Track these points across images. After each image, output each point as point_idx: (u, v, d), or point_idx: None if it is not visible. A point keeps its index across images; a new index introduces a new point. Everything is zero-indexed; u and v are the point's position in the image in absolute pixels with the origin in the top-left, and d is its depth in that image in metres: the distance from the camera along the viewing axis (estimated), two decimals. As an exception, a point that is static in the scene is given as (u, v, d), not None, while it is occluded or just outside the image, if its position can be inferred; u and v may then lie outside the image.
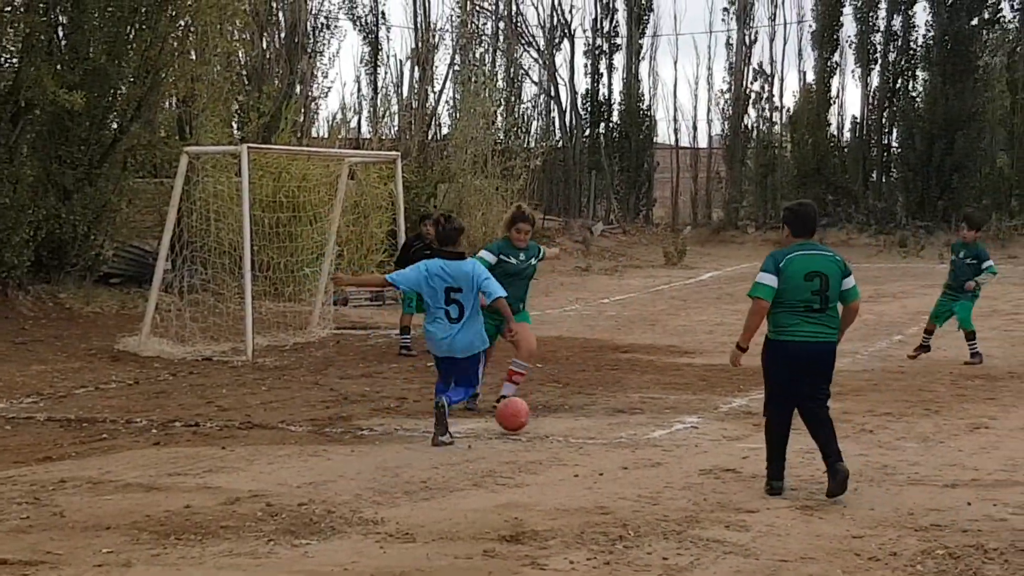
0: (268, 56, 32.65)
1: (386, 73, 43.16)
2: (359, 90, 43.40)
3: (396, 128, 37.81)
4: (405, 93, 41.28)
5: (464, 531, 7.69)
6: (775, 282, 8.68)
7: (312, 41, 36.94)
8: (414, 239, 17.80)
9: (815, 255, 8.75)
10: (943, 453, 10.17)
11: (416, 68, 40.50)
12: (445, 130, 40.00)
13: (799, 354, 8.71)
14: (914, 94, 45.40)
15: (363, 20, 43.32)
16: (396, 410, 12.60)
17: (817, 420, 8.78)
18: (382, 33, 43.96)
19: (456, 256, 10.98)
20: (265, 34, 32.68)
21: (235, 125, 28.95)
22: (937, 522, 7.85)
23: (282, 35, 34.15)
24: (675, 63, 72.61)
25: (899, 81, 45.69)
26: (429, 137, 37.71)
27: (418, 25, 41.80)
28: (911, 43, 45.19)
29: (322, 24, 38.11)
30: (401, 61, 46.87)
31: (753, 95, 48.00)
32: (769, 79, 48.03)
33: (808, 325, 8.68)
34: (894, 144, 46.45)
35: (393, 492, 8.80)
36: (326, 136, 33.56)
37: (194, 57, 24.17)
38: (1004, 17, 44.67)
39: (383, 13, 44.18)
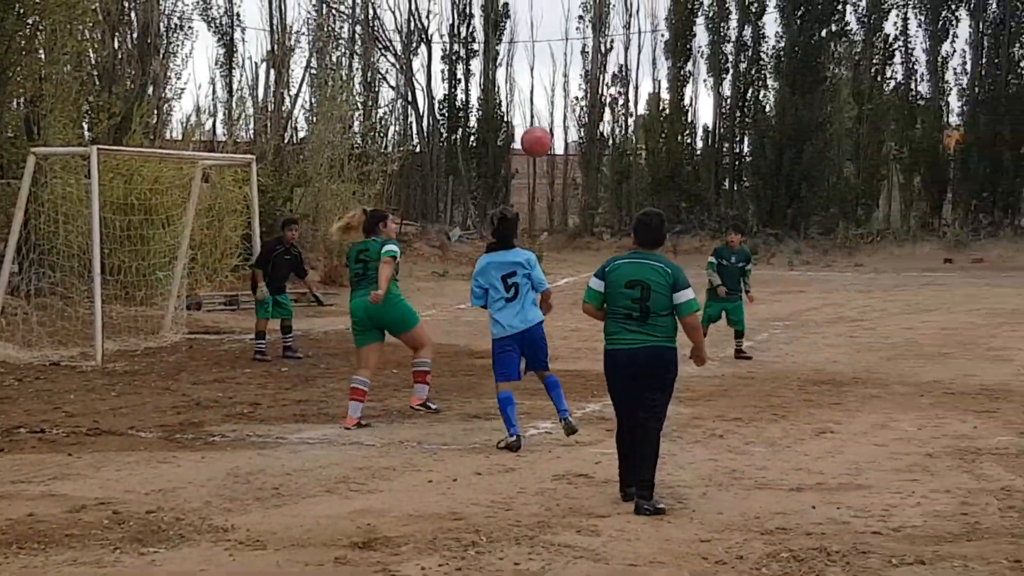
0: (120, 56, 32.06)
1: (241, 75, 42.88)
2: (214, 92, 43.07)
3: (252, 131, 37.48)
4: (261, 96, 40.98)
5: (316, 538, 7.64)
6: (601, 287, 8.70)
7: (165, 42, 36.43)
8: (275, 243, 17.64)
9: (642, 264, 8.63)
10: (790, 457, 10.37)
11: (272, 71, 40.18)
12: (302, 134, 39.78)
13: (622, 361, 8.63)
14: (764, 103, 46.34)
15: (218, 21, 42.93)
16: (249, 416, 12.48)
17: (643, 434, 8.57)
18: (237, 35, 43.63)
19: (502, 247, 10.84)
20: (116, 34, 32.09)
21: (85, 126, 28.36)
22: (783, 525, 8.00)
23: (134, 35, 33.58)
24: (532, 70, 73.14)
25: (750, 91, 46.59)
26: (285, 140, 37.43)
27: (274, 27, 41.53)
28: (761, 53, 46.09)
29: (175, 24, 37.66)
30: (257, 63, 46.48)
31: (608, 102, 48.54)
32: (624, 87, 48.63)
33: (628, 333, 8.58)
34: (745, 152, 47.34)
35: (244, 499, 8.71)
36: (180, 138, 33.12)
37: (42, 56, 23.65)
38: (851, 29, 45.81)
39: (238, 14, 43.85)
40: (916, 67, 45.86)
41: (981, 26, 44.49)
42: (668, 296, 8.53)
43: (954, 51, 45.14)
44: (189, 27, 39.01)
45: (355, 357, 12.40)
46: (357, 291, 12.22)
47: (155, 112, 32.65)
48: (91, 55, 29.39)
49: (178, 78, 39.88)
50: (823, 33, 44.87)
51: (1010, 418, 12.35)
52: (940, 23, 44.92)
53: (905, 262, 40.61)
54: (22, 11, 21.31)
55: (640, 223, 8.90)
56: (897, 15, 45.95)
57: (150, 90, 33.17)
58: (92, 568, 7.02)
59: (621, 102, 48.78)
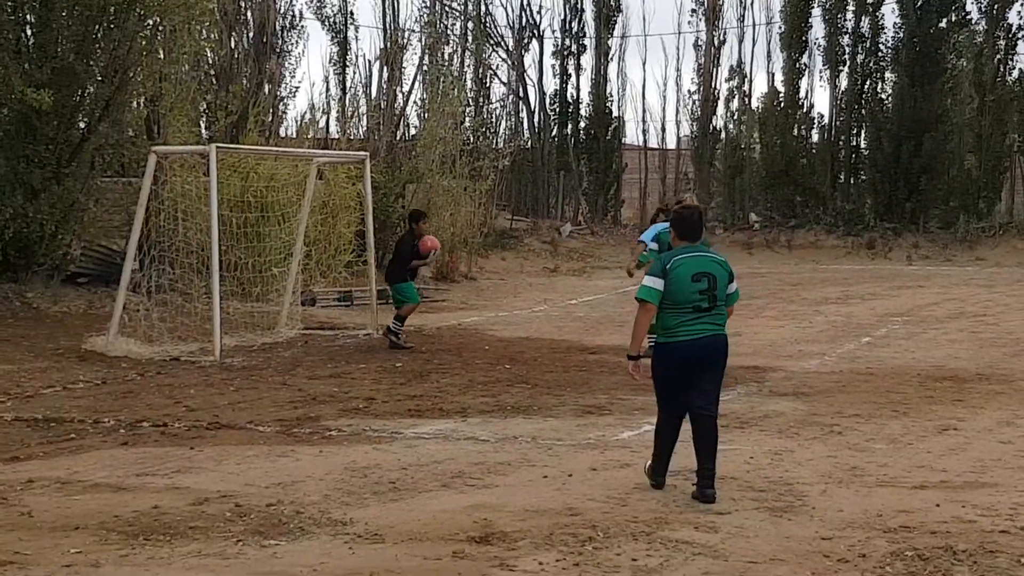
0: (236, 55, 32.50)
1: (355, 73, 43.11)
2: (328, 90, 43.45)
3: (364, 128, 37.71)
4: (374, 93, 41.20)
5: (433, 532, 7.67)
6: (662, 285, 8.70)
7: (280, 41, 36.85)
8: (407, 235, 18.56)
9: (702, 257, 8.83)
10: (912, 454, 10.20)
11: (385, 68, 40.42)
12: (413, 130, 39.95)
13: (688, 352, 8.71)
14: (882, 96, 45.62)
15: (331, 20, 43.30)
16: (364, 411, 12.56)
17: (710, 424, 8.76)
18: (351, 33, 43.98)
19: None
20: (233, 33, 32.54)
21: (203, 125, 28.82)
22: (906, 524, 7.87)
23: (250, 35, 34.02)
24: (643, 64, 72.92)
25: (867, 83, 45.91)
26: (397, 137, 37.63)
27: (387, 25, 41.80)
28: (879, 45, 45.39)
29: (290, 23, 38.07)
30: (370, 61, 46.76)
31: (722, 96, 48.18)
32: (738, 80, 48.24)
33: (698, 324, 8.69)
34: (862, 146, 46.67)
35: (362, 493, 8.77)
36: (294, 136, 33.43)
37: (162, 56, 24.05)
38: (971, 19, 44.93)
39: (351, 13, 44.22)
40: (1040, 56, 44.93)
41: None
42: (726, 286, 8.79)
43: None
44: (303, 26, 39.42)
45: None
46: None
47: (271, 110, 33.04)
48: (209, 55, 29.84)
49: (292, 77, 40.30)
50: (943, 23, 44.05)
51: None
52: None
53: (1028, 256, 39.82)
54: (142, 13, 21.65)
55: (685, 219, 9.13)
56: (1021, 4, 45.01)
57: (266, 89, 33.57)
58: (216, 560, 7.11)
59: (735, 95, 48.41)
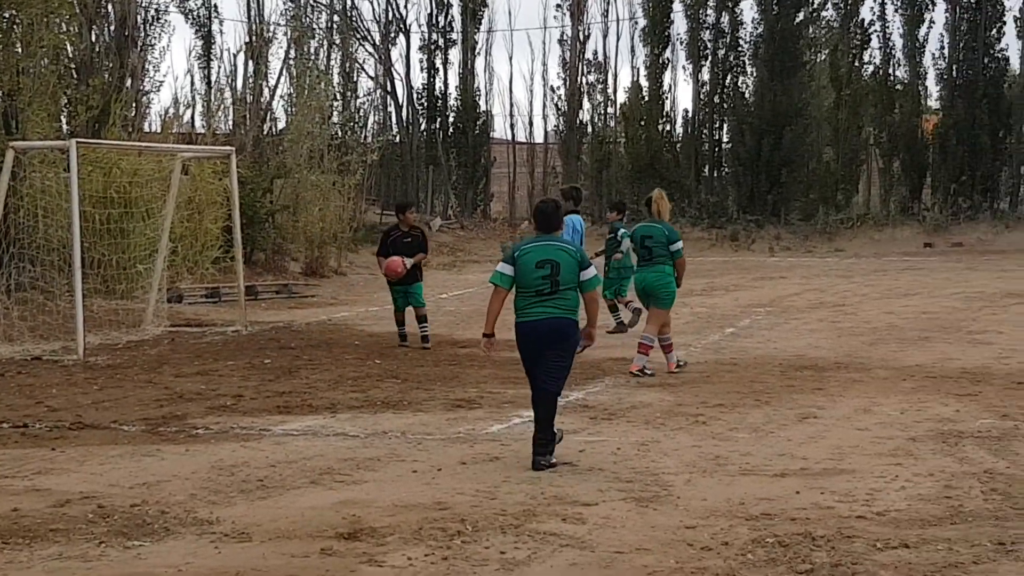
0: (97, 49, 31.90)
1: (219, 67, 42.70)
2: (192, 84, 42.84)
3: (230, 123, 37.35)
4: (239, 87, 40.83)
5: (301, 529, 7.64)
6: (511, 271, 9.72)
7: (143, 34, 36.28)
8: (392, 228, 17.92)
9: (548, 246, 9.73)
10: (773, 443, 10.40)
11: (250, 62, 40.05)
12: (281, 125, 39.66)
13: (528, 331, 9.67)
14: (743, 90, 46.35)
15: (195, 13, 42.76)
16: (232, 408, 12.46)
17: (542, 395, 9.67)
18: (215, 26, 43.48)
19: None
20: (94, 26, 31.92)
21: (63, 119, 28.25)
22: (768, 511, 8.03)
23: (111, 28, 33.42)
24: (510, 59, 73.44)
25: (728, 77, 46.59)
26: (264, 132, 37.33)
27: (251, 18, 41.38)
28: (739, 40, 46.09)
29: (153, 17, 37.52)
30: (234, 55, 46.27)
31: (587, 90, 48.55)
32: (603, 75, 48.66)
33: (538, 307, 9.59)
34: (725, 139, 47.36)
35: (229, 491, 8.70)
36: (158, 131, 33.00)
37: (20, 50, 23.52)
38: (828, 14, 45.88)
39: (215, 6, 43.70)
40: (893, 52, 46.00)
41: (957, 10, 44.53)
42: (576, 273, 9.60)
43: (929, 35, 45.31)
44: (166, 19, 38.87)
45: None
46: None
47: (133, 105, 32.49)
48: (68, 48, 29.25)
49: (156, 71, 39.73)
50: (800, 18, 44.88)
51: (991, 401, 12.40)
52: (916, 7, 44.95)
53: (885, 247, 40.76)
54: (-2, 5, 21.20)
55: (539, 211, 10.10)
56: (874, 0, 46.10)
57: (128, 83, 33.00)
58: (78, 562, 7.01)
59: (600, 90, 48.82)
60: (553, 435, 9.58)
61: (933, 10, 45.07)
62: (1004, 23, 44.60)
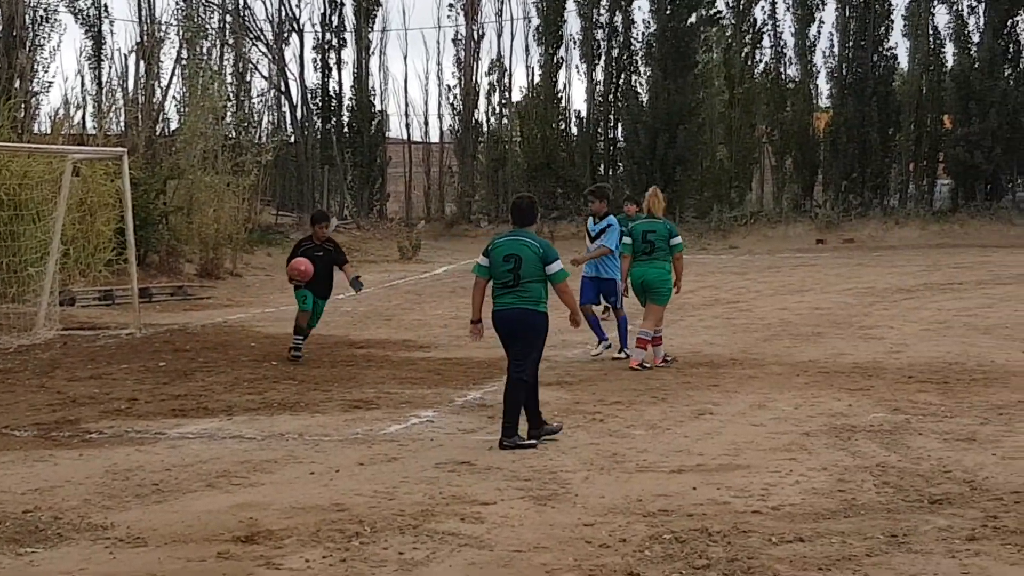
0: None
1: (111, 68, 42.06)
2: (83, 85, 42.17)
3: (122, 124, 36.85)
4: (131, 88, 40.31)
5: (197, 533, 7.57)
6: (487, 262, 10.53)
7: (32, 34, 35.69)
8: (304, 240, 16.54)
9: (515, 241, 10.51)
10: (670, 440, 10.50)
11: (141, 62, 39.55)
12: (174, 125, 39.22)
13: (496, 320, 10.42)
14: (637, 89, 46.63)
15: (85, 13, 42.12)
16: (126, 412, 12.31)
17: (508, 382, 10.38)
18: (105, 27, 42.87)
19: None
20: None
21: (-50, 121, 27.70)
22: (664, 507, 8.10)
23: (-1, 28, 32.87)
24: (405, 58, 73.17)
25: (622, 76, 46.86)
26: (157, 133, 36.88)
27: (143, 18, 40.87)
28: (632, 39, 46.38)
29: (42, 17, 36.90)
30: (126, 55, 45.64)
31: (483, 90, 48.58)
32: (498, 74, 48.72)
33: (503, 297, 10.41)
34: (619, 138, 47.61)
35: (123, 496, 8.60)
36: (48, 132, 32.47)
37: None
38: (721, 14, 46.30)
39: (106, 6, 43.06)
40: (785, 50, 46.56)
41: (847, 9, 45.21)
42: (539, 267, 10.36)
43: (820, 34, 45.86)
44: (56, 19, 38.23)
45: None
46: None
47: (22, 106, 31.97)
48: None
49: (46, 71, 39.01)
50: (693, 18, 45.27)
51: (883, 395, 12.62)
52: (807, 7, 45.56)
53: (778, 243, 41.28)
54: None
55: (514, 206, 10.89)
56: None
57: (16, 84, 32.47)
58: (-32, 572, 6.90)
59: (496, 89, 48.87)
60: (516, 420, 10.17)
61: (824, 9, 45.70)
62: (892, 22, 45.33)
